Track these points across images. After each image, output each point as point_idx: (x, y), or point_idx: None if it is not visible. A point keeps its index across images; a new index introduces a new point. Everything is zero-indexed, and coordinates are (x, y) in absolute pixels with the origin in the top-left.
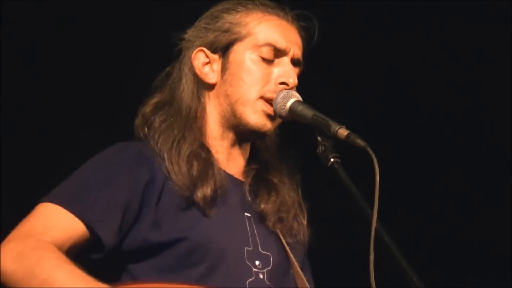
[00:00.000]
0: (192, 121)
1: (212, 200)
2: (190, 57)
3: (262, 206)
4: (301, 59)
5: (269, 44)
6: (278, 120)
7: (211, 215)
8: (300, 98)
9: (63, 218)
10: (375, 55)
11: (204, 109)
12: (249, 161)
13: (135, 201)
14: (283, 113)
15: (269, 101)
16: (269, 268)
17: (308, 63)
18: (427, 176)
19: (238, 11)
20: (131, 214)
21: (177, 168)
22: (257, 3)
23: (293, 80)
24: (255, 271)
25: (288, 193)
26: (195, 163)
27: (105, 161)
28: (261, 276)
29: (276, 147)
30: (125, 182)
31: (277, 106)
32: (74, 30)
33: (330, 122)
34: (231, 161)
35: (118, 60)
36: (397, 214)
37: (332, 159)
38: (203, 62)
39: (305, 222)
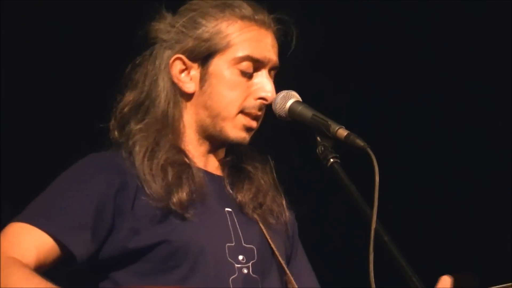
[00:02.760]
0: (169, 127)
1: (190, 203)
2: (168, 63)
3: (240, 197)
4: (277, 63)
5: (248, 57)
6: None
7: (189, 216)
8: (299, 98)
9: (31, 235)
10: (374, 55)
11: (181, 116)
12: (225, 155)
13: (106, 210)
14: (283, 113)
15: (249, 115)
16: (255, 260)
17: (308, 64)
18: (427, 176)
19: (217, 18)
20: (103, 223)
21: (150, 178)
22: (236, 9)
23: (271, 94)
24: (238, 267)
25: (262, 177)
26: (170, 170)
27: (73, 174)
28: (245, 271)
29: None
30: (93, 191)
31: (277, 107)
32: (74, 30)
33: (330, 122)
34: (209, 159)
35: (120, 60)
36: (396, 214)
37: (331, 159)
38: (180, 69)
39: (284, 202)
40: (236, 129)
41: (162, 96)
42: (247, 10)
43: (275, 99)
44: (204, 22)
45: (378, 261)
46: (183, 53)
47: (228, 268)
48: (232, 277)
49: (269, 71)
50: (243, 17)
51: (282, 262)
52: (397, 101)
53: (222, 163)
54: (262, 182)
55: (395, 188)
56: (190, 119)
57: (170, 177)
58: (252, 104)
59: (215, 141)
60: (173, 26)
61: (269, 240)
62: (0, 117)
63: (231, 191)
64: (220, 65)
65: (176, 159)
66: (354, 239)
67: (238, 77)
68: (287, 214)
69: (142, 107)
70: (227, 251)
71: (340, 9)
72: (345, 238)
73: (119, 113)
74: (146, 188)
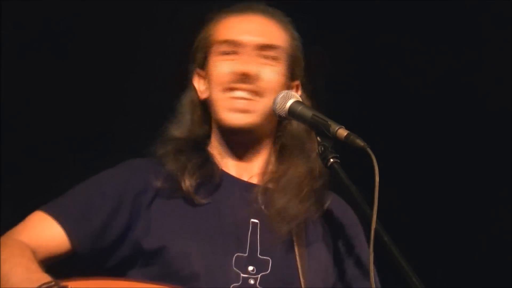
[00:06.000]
0: (197, 134)
1: (204, 207)
2: (192, 82)
3: (274, 210)
4: (262, 42)
5: (224, 41)
6: (260, 117)
7: (201, 221)
8: (299, 99)
9: (44, 222)
10: (374, 55)
11: (207, 124)
12: (268, 164)
13: (123, 208)
14: (283, 113)
15: (235, 91)
16: (267, 272)
17: (307, 63)
18: (427, 176)
19: (207, 26)
20: (117, 221)
21: (180, 175)
22: (224, 10)
23: (254, 68)
24: (243, 277)
25: (301, 189)
26: (197, 173)
27: (103, 173)
28: (251, 282)
29: (299, 147)
30: (113, 191)
31: (277, 106)
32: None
33: (330, 122)
34: (240, 167)
35: (123, 65)
36: (396, 214)
37: (331, 160)
38: (200, 82)
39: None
40: (225, 111)
41: (192, 118)
42: (233, 8)
43: (275, 99)
44: (199, 34)
45: (378, 261)
46: (196, 67)
47: (231, 277)
48: (234, 285)
49: (258, 51)
50: (226, 14)
51: (302, 282)
52: (397, 101)
53: (262, 172)
54: (311, 199)
55: (396, 188)
56: (213, 124)
57: (195, 179)
58: (236, 78)
59: (228, 136)
60: None
61: (297, 258)
62: (0, 118)
63: (263, 204)
64: (210, 61)
65: (202, 163)
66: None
67: (221, 61)
68: (347, 228)
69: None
70: (233, 260)
71: (338, 9)
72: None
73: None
74: (176, 181)
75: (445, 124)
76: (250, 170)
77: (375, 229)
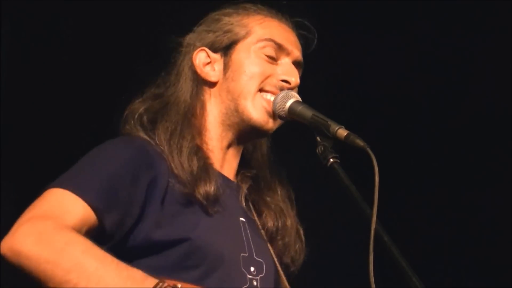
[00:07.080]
0: (190, 118)
1: (214, 200)
2: (191, 58)
3: (255, 212)
4: (302, 62)
5: (270, 40)
6: (278, 122)
7: (212, 215)
8: (299, 99)
9: (76, 204)
10: (374, 55)
11: (203, 107)
12: (241, 164)
13: (138, 200)
14: (283, 113)
15: (268, 93)
16: (263, 275)
17: (307, 64)
18: (427, 176)
19: (239, 14)
20: (134, 212)
21: (178, 163)
22: (259, 6)
23: (295, 79)
24: (249, 278)
25: (289, 214)
26: (194, 160)
27: (112, 154)
28: (255, 283)
29: (269, 161)
30: (130, 180)
31: (277, 106)
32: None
33: (330, 122)
34: (225, 162)
35: (123, 57)
36: (396, 214)
37: (331, 159)
38: (204, 62)
39: (302, 246)
40: (256, 110)
41: (184, 88)
42: (270, 10)
43: (275, 98)
44: (225, 17)
45: (378, 261)
46: (205, 46)
47: (241, 277)
48: (244, 287)
49: (293, 64)
50: (266, 14)
51: (287, 284)
52: (397, 101)
53: (238, 172)
54: (289, 219)
55: (395, 188)
56: (214, 109)
57: (195, 167)
58: (274, 83)
59: (238, 131)
60: (194, 31)
61: (276, 261)
62: (1, 116)
63: (244, 204)
64: (242, 50)
65: (198, 152)
66: (354, 239)
67: (261, 58)
68: (301, 258)
69: (161, 102)
70: (241, 260)
71: (338, 8)
72: (345, 238)
73: (135, 111)
74: (175, 171)
75: (445, 124)
76: (229, 167)
77: (375, 229)
